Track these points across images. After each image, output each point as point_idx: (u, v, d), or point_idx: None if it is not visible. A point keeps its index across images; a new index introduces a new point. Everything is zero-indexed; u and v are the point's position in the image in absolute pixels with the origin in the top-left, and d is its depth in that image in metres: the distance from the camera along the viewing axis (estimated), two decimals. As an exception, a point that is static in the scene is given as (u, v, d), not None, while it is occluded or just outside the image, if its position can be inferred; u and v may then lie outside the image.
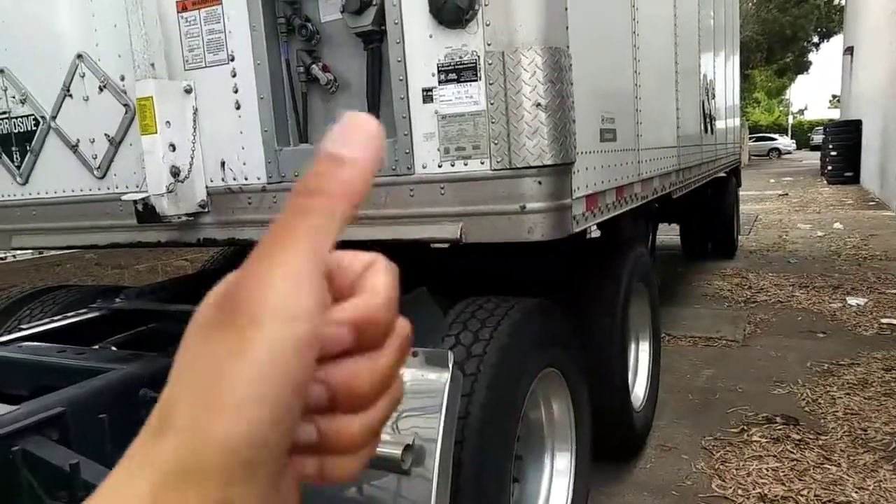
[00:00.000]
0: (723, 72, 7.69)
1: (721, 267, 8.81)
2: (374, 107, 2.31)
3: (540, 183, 2.06)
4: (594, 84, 2.52)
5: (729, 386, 4.59)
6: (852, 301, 6.65)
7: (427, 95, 2.17)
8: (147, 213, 2.50)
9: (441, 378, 1.62)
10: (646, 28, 3.42)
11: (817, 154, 27.50)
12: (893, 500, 3.05)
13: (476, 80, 2.08)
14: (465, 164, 2.14)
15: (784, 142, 46.12)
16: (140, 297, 2.99)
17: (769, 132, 50.54)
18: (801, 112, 71.93)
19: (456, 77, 2.10)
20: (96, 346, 2.48)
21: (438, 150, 2.18)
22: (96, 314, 2.83)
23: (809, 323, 6.05)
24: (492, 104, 2.06)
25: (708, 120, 6.07)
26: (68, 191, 3.01)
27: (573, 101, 2.14)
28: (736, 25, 9.48)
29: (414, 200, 2.25)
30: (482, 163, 2.11)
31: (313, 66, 2.37)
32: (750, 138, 40.87)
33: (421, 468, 1.59)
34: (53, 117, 2.95)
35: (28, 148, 3.06)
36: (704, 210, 8.74)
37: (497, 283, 2.64)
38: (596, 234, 3.86)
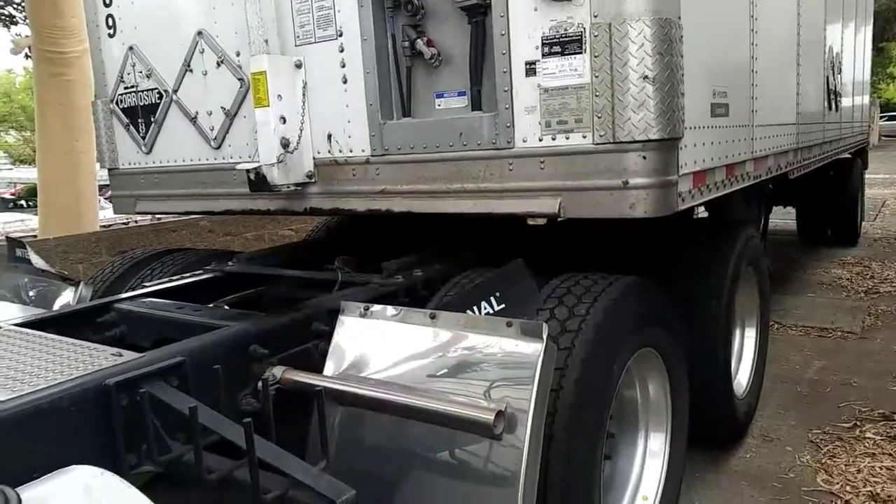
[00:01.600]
0: (852, 44, 7.11)
1: (840, 254, 8.24)
2: (476, 81, 2.32)
3: (644, 158, 2.00)
4: (706, 56, 2.41)
5: (842, 379, 4.32)
6: None
7: (530, 69, 2.15)
8: (259, 182, 2.64)
9: (535, 349, 1.63)
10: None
11: (959, 135, 24.98)
12: None
13: (581, 53, 2.04)
14: (567, 138, 2.11)
15: (920, 121, 42.12)
16: (251, 261, 3.16)
17: (904, 110, 46.33)
18: (944, 88, 65.37)
19: (560, 50, 2.07)
20: (211, 305, 2.65)
21: (539, 123, 2.16)
22: (211, 276, 3.03)
23: (940, 318, 5.58)
24: (596, 77, 2.02)
25: (832, 96, 5.65)
26: (187, 160, 3.21)
27: (683, 73, 2.06)
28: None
29: (512, 174, 2.25)
30: (584, 136, 2.08)
31: (418, 40, 2.41)
32: (881, 117, 37.66)
33: (512, 436, 1.61)
34: (175, 90, 3.15)
35: (152, 119, 3.28)
36: (825, 193, 8.18)
37: (594, 260, 2.60)
38: (703, 214, 3.71)
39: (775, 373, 4.33)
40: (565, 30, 2.06)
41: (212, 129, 3.04)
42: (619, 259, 2.68)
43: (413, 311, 1.93)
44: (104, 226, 7.91)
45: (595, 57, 2.01)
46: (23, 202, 24.86)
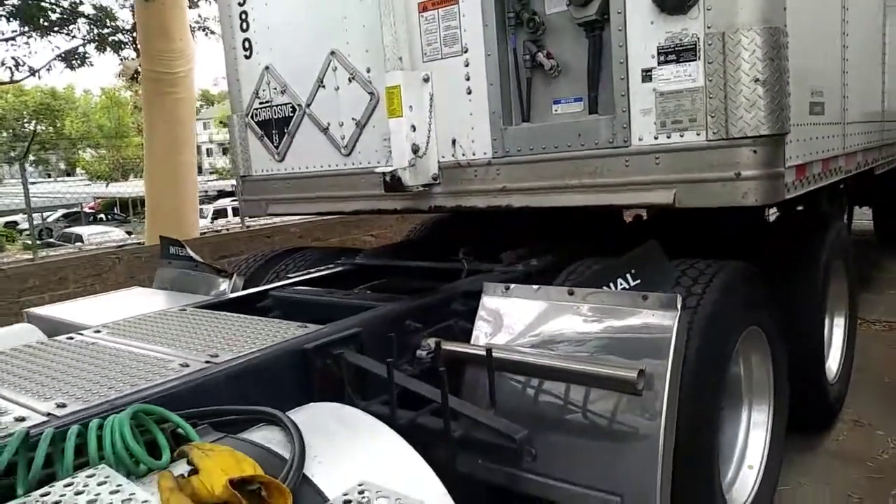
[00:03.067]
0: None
1: (924, 253, 8.15)
2: (594, 87, 2.60)
3: (755, 152, 2.25)
4: (806, 60, 2.63)
5: (930, 371, 4.40)
6: None
7: (646, 75, 2.42)
8: (394, 184, 2.98)
9: (671, 317, 1.90)
10: (853, 1, 3.41)
11: None
12: None
13: (695, 60, 2.30)
14: (682, 136, 2.37)
15: None
16: (375, 256, 3.52)
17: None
18: None
19: (675, 58, 2.34)
20: (355, 290, 3.01)
21: (655, 123, 2.43)
22: (344, 268, 3.39)
23: None
24: (710, 81, 2.28)
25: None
26: (318, 166, 3.59)
27: (788, 76, 2.30)
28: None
29: (629, 170, 2.52)
30: (698, 134, 2.34)
31: (538, 53, 2.71)
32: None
33: (651, 394, 1.88)
34: (308, 104, 3.54)
35: (286, 130, 3.68)
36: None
37: (696, 250, 2.84)
38: (798, 206, 3.89)
39: (861, 365, 4.42)
40: (680, 40, 2.33)
41: (343, 138, 3.41)
42: (719, 249, 2.91)
43: (552, 288, 2.22)
44: (202, 233, 8.49)
45: (709, 63, 2.27)
46: (102, 215, 26.29)
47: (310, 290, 3.00)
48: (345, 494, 1.16)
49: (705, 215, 2.58)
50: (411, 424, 1.85)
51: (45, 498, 1.11)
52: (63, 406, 1.60)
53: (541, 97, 2.80)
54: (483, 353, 1.97)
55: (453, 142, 3.01)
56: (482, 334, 2.27)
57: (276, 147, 3.76)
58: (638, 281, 2.09)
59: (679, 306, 1.91)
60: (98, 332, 2.35)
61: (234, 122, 3.92)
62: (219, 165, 41.83)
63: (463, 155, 2.99)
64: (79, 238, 16.76)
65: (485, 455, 1.87)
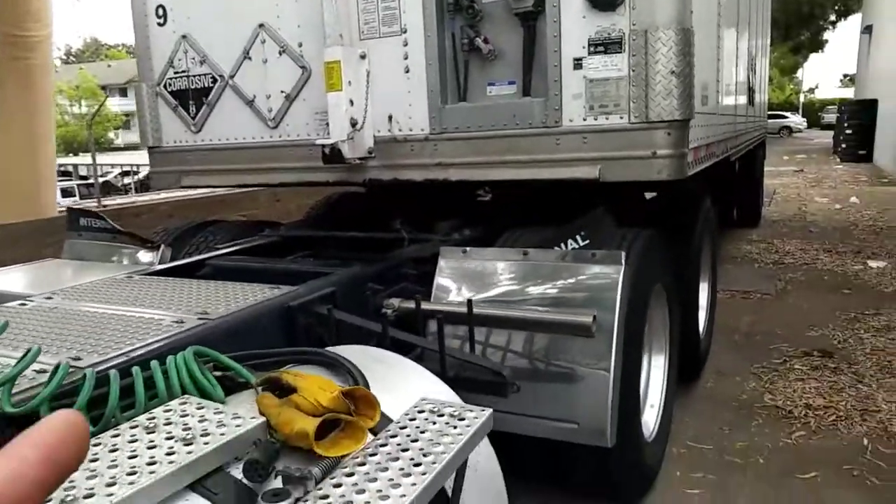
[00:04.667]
0: (759, 48, 8.18)
1: (746, 234, 9.41)
2: (528, 72, 2.89)
3: (669, 134, 2.64)
4: (700, 58, 3.08)
5: (768, 329, 5.21)
6: (873, 264, 7.25)
7: (577, 63, 2.74)
8: (332, 156, 3.08)
9: (617, 271, 2.23)
10: (724, 10, 3.97)
11: (828, 133, 27.86)
12: (919, 410, 3.68)
13: (621, 52, 2.65)
14: (607, 119, 2.72)
15: (795, 120, 46.30)
16: (298, 228, 3.60)
17: (780, 110, 50.68)
18: (812, 91, 71.78)
19: (604, 49, 2.68)
20: (291, 259, 3.09)
21: (584, 107, 2.76)
22: (269, 240, 3.44)
23: (835, 281, 6.66)
24: (633, 71, 2.64)
25: (751, 93, 6.61)
26: (240, 138, 3.59)
27: (694, 70, 2.72)
28: (768, 2, 9.89)
29: (559, 148, 2.84)
30: (621, 117, 2.70)
31: (476, 38, 2.94)
32: (762, 116, 41.01)
33: (602, 335, 2.20)
34: (232, 76, 3.52)
35: (204, 101, 3.63)
36: (733, 181, 9.29)
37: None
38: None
39: (715, 326, 5.15)
40: (608, 34, 2.66)
41: (270, 111, 3.44)
42: (623, 220, 3.33)
43: (508, 249, 2.48)
44: (61, 211, 7.87)
45: (633, 56, 2.63)
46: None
47: (248, 259, 3.05)
48: (415, 407, 1.34)
49: (617, 190, 2.97)
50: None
51: (151, 421, 1.20)
52: (78, 359, 1.62)
53: (477, 79, 3.03)
54: (461, 310, 2.19)
55: (389, 117, 3.17)
56: (443, 294, 2.49)
57: (193, 118, 3.69)
58: (587, 241, 2.41)
59: (623, 261, 2.25)
60: (50, 298, 2.29)
61: (143, 90, 3.78)
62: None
63: (399, 130, 3.17)
64: None
65: (471, 392, 2.09)
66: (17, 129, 7.04)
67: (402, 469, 1.15)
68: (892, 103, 17.43)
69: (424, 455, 1.19)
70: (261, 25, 3.37)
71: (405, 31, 3.05)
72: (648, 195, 4.43)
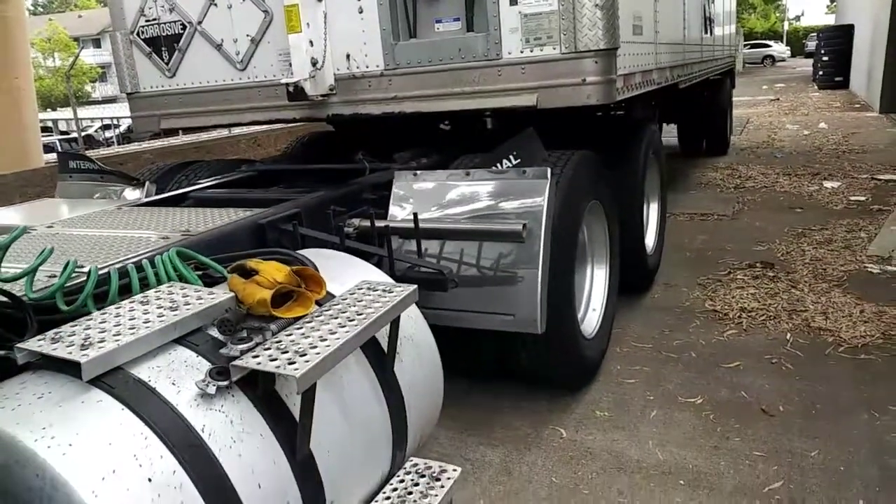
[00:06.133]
0: (721, -23, 8.35)
1: (714, 162, 9.75)
2: (470, 9, 3.16)
3: (596, 63, 2.94)
4: (629, -10, 3.36)
5: (719, 246, 5.61)
6: (828, 185, 7.64)
7: (513, 0, 3.01)
8: (296, 93, 3.37)
9: (544, 185, 2.57)
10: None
11: (811, 61, 27.86)
12: (837, 308, 4.10)
13: (551, -12, 2.92)
14: (541, 50, 3.01)
15: (779, 49, 46.10)
16: (274, 163, 3.89)
17: (765, 39, 50.30)
18: (798, 18, 71.02)
19: (536, -14, 2.94)
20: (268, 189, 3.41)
21: (521, 40, 3.04)
22: (246, 175, 3.75)
23: (790, 202, 7.05)
24: (562, 6, 2.92)
25: (708, 23, 6.84)
26: (211, 81, 3.85)
27: (619, 3, 2.99)
28: (735, -69, 9.99)
29: (501, 79, 3.14)
30: (554, 48, 2.99)
31: (422, -22, 3.19)
32: (745, 45, 40.86)
33: (531, 240, 2.55)
34: (200, 22, 3.76)
35: (176, 47, 3.88)
36: (701, 111, 9.58)
37: (549, 144, 3.55)
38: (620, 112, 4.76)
39: (669, 246, 5.54)
40: (539, -28, 2.93)
41: (237, 54, 3.70)
42: (568, 143, 3.65)
43: (452, 171, 2.81)
44: (48, 163, 8.09)
45: (561, -9, 2.90)
46: None
47: (226, 191, 3.36)
48: (356, 286, 1.70)
49: (550, 117, 3.27)
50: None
51: (145, 298, 1.54)
52: (81, 267, 1.95)
53: (425, 16, 3.30)
54: (409, 225, 2.53)
55: (347, 56, 3.45)
56: (398, 213, 2.83)
57: (167, 63, 3.94)
58: (518, 160, 2.74)
59: (549, 176, 2.58)
60: (50, 227, 2.60)
61: (118, 38, 4.01)
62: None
63: (357, 68, 3.44)
64: None
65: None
66: (-3, 83, 7.20)
67: (339, 323, 1.51)
68: (867, 29, 17.54)
69: (358, 314, 1.55)
70: (224, -28, 3.60)
71: (357, -26, 3.30)
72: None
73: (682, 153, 10.40)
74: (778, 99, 19.49)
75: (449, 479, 1.82)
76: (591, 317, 3.47)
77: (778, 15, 60.21)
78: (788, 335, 3.84)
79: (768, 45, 45.33)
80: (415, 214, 2.51)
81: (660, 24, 4.18)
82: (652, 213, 4.73)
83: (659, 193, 4.78)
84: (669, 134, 10.09)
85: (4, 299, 1.54)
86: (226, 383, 1.35)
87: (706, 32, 6.77)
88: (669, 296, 4.57)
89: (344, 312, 1.56)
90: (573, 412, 3.19)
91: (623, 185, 3.92)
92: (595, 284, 3.57)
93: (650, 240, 4.65)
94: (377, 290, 1.69)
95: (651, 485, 2.64)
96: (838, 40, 20.67)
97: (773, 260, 5.12)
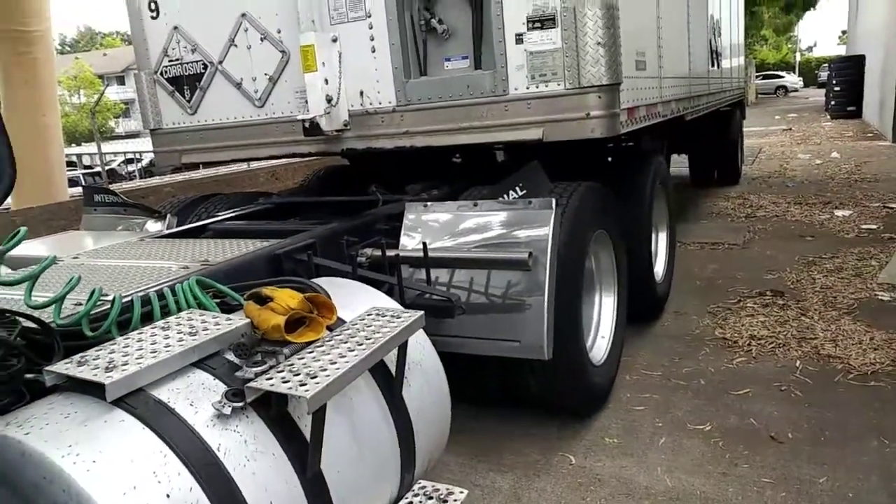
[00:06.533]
0: (728, 11, 8.49)
1: (725, 192, 9.79)
2: (477, 48, 3.28)
3: (599, 97, 3.05)
4: (631, 28, 3.47)
5: (729, 275, 5.64)
6: (839, 213, 7.65)
7: (519, 38, 3.14)
8: (312, 129, 3.50)
9: (549, 214, 2.65)
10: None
11: (823, 91, 27.95)
12: (846, 336, 4.11)
13: (555, 28, 3.05)
14: (546, 86, 3.13)
15: (791, 79, 46.30)
16: (289, 196, 4.02)
17: (777, 70, 50.53)
18: (810, 49, 71.36)
19: (540, 25, 3.07)
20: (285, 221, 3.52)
21: (527, 76, 3.16)
22: (264, 207, 3.87)
23: (800, 230, 7.07)
24: (566, 44, 3.04)
25: (714, 56, 6.96)
26: (231, 118, 4.00)
27: (620, 40, 3.11)
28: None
29: (508, 114, 3.25)
30: (558, 84, 3.10)
31: (432, 19, 3.34)
32: (757, 76, 41.07)
33: (537, 268, 2.63)
34: (220, 62, 3.93)
35: (198, 86, 4.04)
36: (711, 141, 9.65)
37: (557, 177, 3.65)
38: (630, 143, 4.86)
39: (680, 274, 5.58)
40: (543, 11, 3.06)
41: (256, 92, 3.85)
42: (577, 175, 3.74)
43: (461, 202, 2.91)
44: (72, 196, 8.32)
45: (564, 30, 3.02)
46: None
47: (244, 223, 3.48)
48: (367, 313, 1.78)
49: (560, 150, 3.37)
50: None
51: (166, 324, 1.64)
52: (106, 295, 2.05)
53: (435, 55, 3.43)
54: (419, 254, 2.62)
55: (361, 93, 3.58)
56: (409, 242, 2.92)
57: (189, 101, 4.11)
58: (524, 192, 2.83)
59: (554, 207, 2.67)
60: (76, 258, 2.72)
61: (143, 78, 4.19)
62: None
63: (370, 104, 3.58)
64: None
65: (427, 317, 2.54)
66: (27, 121, 7.44)
67: (349, 347, 1.59)
68: (878, 58, 17.62)
69: (367, 339, 1.64)
70: (243, 15, 3.77)
71: (370, 16, 3.45)
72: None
73: (693, 183, 10.46)
74: (790, 129, 19.54)
75: (456, 500, 1.88)
76: (600, 344, 3.52)
77: (790, 46, 60.53)
78: (798, 362, 3.86)
79: (781, 76, 45.53)
80: (424, 244, 2.60)
81: (664, 58, 4.30)
82: (661, 242, 4.79)
83: (667, 223, 4.84)
84: (681, 164, 10.17)
85: (34, 325, 1.64)
86: (241, 404, 1.43)
87: (713, 66, 6.89)
88: (679, 324, 4.60)
89: (353, 337, 1.65)
90: (582, 439, 3.22)
91: (631, 215, 3.99)
92: (604, 312, 3.62)
93: (659, 268, 4.71)
94: (386, 316, 1.78)
95: (659, 511, 2.66)
96: (850, 70, 20.76)
97: (783, 288, 5.14)
